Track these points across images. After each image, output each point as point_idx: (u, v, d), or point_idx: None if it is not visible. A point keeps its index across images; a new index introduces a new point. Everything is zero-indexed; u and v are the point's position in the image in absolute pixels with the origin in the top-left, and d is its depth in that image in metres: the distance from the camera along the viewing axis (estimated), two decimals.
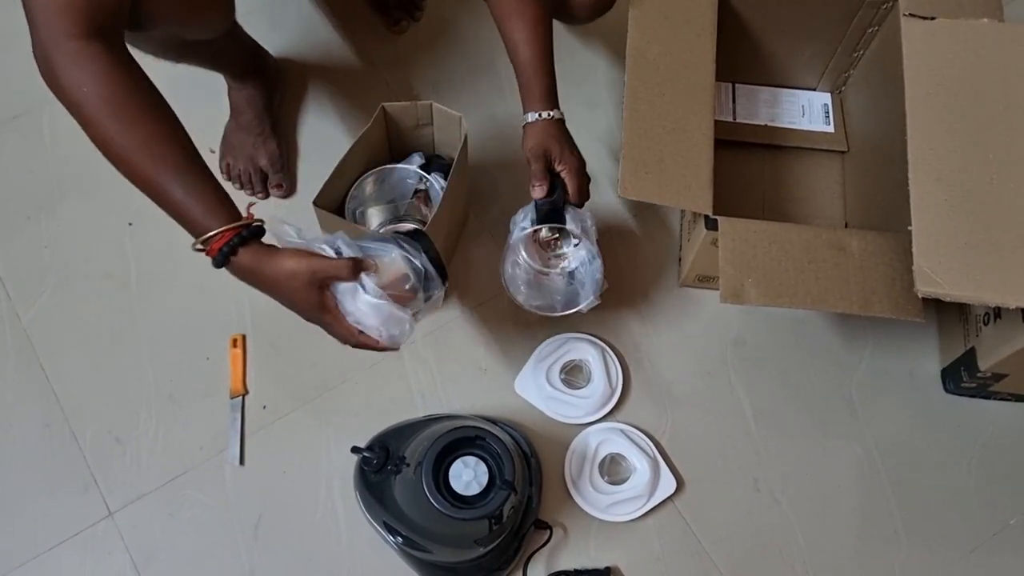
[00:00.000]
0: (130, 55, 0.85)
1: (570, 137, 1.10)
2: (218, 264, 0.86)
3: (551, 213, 1.08)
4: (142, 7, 0.88)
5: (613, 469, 1.16)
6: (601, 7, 1.21)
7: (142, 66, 0.86)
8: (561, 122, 1.08)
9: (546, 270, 1.13)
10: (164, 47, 1.09)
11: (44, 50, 0.81)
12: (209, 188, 0.86)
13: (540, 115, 1.06)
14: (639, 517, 1.13)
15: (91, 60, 0.81)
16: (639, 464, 1.14)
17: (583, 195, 1.10)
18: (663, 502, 1.14)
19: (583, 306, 1.10)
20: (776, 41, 1.34)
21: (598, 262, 1.09)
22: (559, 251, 1.15)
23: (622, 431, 1.16)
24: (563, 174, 1.08)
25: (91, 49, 0.81)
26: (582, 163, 1.10)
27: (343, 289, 0.90)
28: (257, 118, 1.29)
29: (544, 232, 1.12)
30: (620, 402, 1.20)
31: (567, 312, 1.12)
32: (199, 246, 0.86)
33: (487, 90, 1.42)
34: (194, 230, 0.86)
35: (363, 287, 0.89)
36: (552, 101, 1.07)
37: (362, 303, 0.90)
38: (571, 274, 1.14)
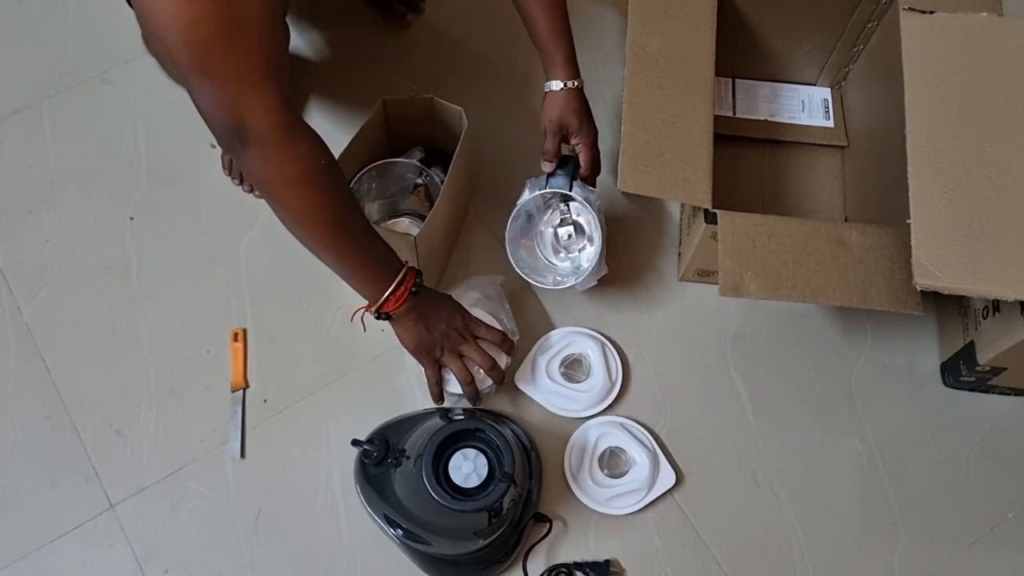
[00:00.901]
0: None
1: (588, 107, 1.12)
2: (415, 293, 0.99)
3: (560, 182, 1.13)
4: None
5: (613, 462, 1.16)
6: None
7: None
8: (581, 91, 1.10)
9: (554, 263, 1.17)
10: None
11: (274, 142, 0.85)
12: (384, 242, 0.98)
13: (565, 84, 1.08)
14: (638, 510, 1.13)
15: (310, 136, 0.89)
16: (638, 457, 1.14)
17: (596, 168, 1.13)
18: (662, 495, 1.14)
19: (575, 283, 1.14)
20: (776, 36, 1.34)
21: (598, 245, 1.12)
22: (571, 246, 1.19)
23: (622, 425, 1.16)
24: (578, 148, 1.10)
25: (303, 127, 0.88)
26: (596, 135, 1.12)
27: None
28: None
29: (560, 228, 1.18)
30: (620, 396, 1.20)
31: (553, 287, 1.16)
32: (396, 284, 0.97)
33: (487, 84, 1.42)
34: (381, 278, 0.98)
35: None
36: (573, 69, 1.09)
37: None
38: (578, 268, 1.16)
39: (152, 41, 0.85)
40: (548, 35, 1.07)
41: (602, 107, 1.40)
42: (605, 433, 1.16)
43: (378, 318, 1.01)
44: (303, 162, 0.87)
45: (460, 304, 1.09)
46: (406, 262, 1.00)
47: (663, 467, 1.15)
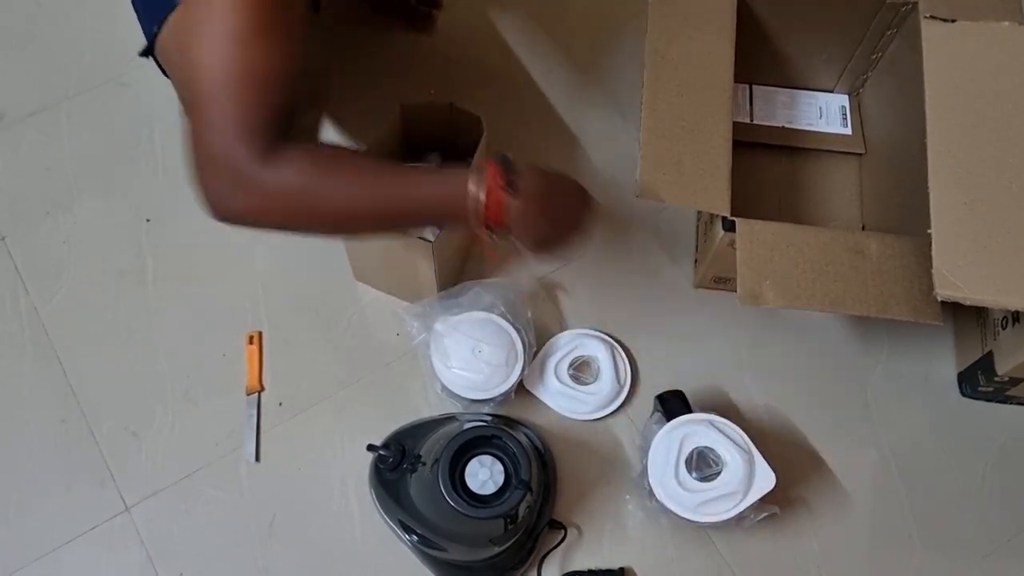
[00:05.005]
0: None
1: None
2: (511, 186, 0.83)
3: (679, 404, 1.10)
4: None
5: (701, 464, 1.07)
6: None
7: None
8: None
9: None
10: None
11: (242, 175, 0.81)
12: (432, 170, 0.89)
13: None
14: (654, 518, 1.12)
15: (297, 151, 0.82)
16: (730, 457, 1.05)
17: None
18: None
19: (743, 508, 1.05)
20: (794, 42, 1.34)
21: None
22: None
23: (710, 423, 1.08)
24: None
25: (288, 148, 0.82)
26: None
27: None
28: None
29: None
30: (629, 400, 1.20)
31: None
32: (477, 189, 0.83)
33: (505, 91, 1.42)
34: (455, 207, 0.84)
35: None
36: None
37: None
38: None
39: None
40: None
41: (617, 113, 1.41)
42: (691, 432, 1.07)
43: (498, 236, 0.87)
44: (302, 173, 0.82)
45: (575, 181, 0.92)
46: (473, 164, 0.87)
47: (759, 467, 1.06)
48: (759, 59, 1.35)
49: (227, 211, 0.84)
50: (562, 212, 0.90)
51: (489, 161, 0.85)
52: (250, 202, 0.83)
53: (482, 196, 0.83)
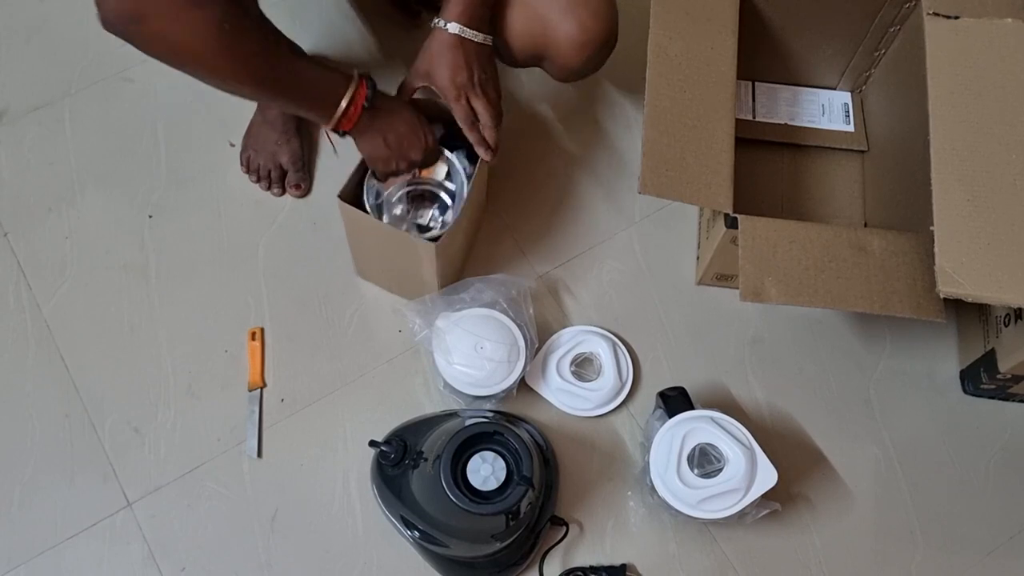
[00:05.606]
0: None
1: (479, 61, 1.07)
2: (368, 108, 1.00)
3: (682, 401, 1.10)
4: None
5: (702, 460, 1.07)
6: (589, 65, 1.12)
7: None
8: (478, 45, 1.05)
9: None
10: None
11: (171, 5, 0.83)
12: (322, 67, 0.98)
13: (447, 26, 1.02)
14: (656, 515, 1.12)
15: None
16: (732, 454, 1.05)
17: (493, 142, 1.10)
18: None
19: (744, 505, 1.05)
20: (797, 39, 1.34)
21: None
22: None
23: (712, 419, 1.08)
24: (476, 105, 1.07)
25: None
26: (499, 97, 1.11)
27: None
28: (283, 115, 1.29)
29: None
30: (631, 397, 1.20)
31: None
32: (347, 103, 0.98)
33: (505, 89, 1.41)
34: (329, 102, 0.98)
35: None
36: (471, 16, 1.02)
37: None
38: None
39: None
40: None
41: (620, 110, 1.41)
42: (693, 429, 1.07)
43: (341, 136, 1.03)
44: (205, 33, 0.85)
45: (418, 118, 1.09)
46: (355, 73, 1.00)
47: (762, 464, 1.06)
48: (762, 56, 1.35)
49: (134, 30, 0.85)
50: (399, 139, 1.05)
51: (362, 80, 0.99)
52: (163, 30, 0.84)
53: (345, 103, 0.98)
